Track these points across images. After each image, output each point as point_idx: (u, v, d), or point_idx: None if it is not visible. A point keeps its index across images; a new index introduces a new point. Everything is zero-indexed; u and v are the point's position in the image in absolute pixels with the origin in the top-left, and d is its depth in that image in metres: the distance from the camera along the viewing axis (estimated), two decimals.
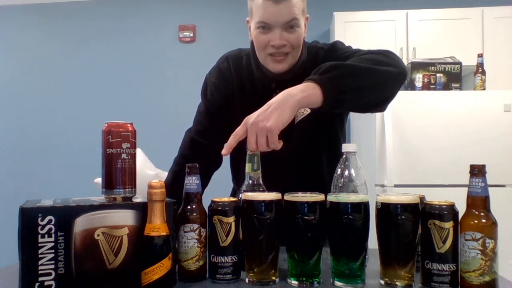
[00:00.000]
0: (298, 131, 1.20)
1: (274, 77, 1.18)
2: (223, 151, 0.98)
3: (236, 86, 1.24)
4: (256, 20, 1.11)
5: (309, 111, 1.19)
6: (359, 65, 1.02)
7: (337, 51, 1.19)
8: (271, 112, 0.93)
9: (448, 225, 0.79)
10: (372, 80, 1.02)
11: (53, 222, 0.75)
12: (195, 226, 0.88)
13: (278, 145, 0.93)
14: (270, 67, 1.16)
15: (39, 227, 0.75)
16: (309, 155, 1.25)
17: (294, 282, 0.86)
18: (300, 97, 0.94)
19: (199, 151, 1.28)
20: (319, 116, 1.18)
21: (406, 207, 0.82)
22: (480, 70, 2.80)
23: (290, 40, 1.11)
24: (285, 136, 1.21)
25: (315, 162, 1.26)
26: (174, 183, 1.16)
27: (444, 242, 0.79)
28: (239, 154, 1.27)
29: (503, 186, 2.51)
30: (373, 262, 0.92)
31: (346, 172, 0.91)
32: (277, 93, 1.18)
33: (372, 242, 0.86)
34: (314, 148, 1.25)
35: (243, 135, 0.95)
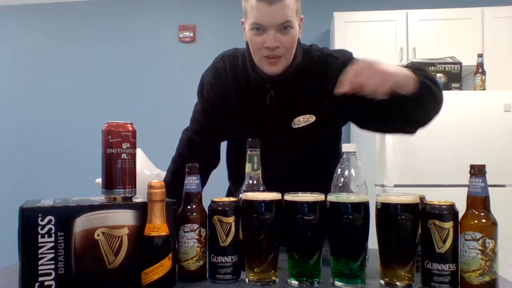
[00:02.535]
0: (296, 135, 1.20)
1: (269, 77, 1.18)
2: (339, 90, 0.99)
3: (232, 86, 1.24)
4: (250, 22, 1.11)
5: (313, 119, 1.19)
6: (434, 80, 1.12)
7: None
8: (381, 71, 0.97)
9: (448, 225, 0.79)
10: (438, 99, 1.10)
11: (53, 222, 0.76)
12: (195, 226, 0.88)
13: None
14: (265, 69, 1.16)
15: (39, 227, 0.75)
16: (308, 158, 1.26)
17: (294, 282, 0.86)
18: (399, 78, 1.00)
19: (197, 150, 1.28)
20: (319, 127, 1.20)
21: (406, 207, 0.82)
22: (480, 70, 2.80)
23: (284, 42, 1.11)
24: (283, 139, 1.21)
25: (314, 164, 1.27)
26: (172, 182, 1.16)
27: (444, 242, 0.79)
28: (236, 153, 1.27)
29: (503, 186, 2.51)
30: (373, 262, 0.92)
31: (346, 172, 0.91)
32: (271, 94, 1.19)
33: (372, 242, 0.86)
34: (313, 151, 1.26)
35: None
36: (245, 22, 1.16)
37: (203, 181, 1.20)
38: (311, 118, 1.19)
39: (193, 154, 1.24)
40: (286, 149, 1.23)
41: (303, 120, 1.19)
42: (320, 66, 1.20)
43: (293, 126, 1.20)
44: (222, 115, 1.27)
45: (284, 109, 1.20)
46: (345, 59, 1.19)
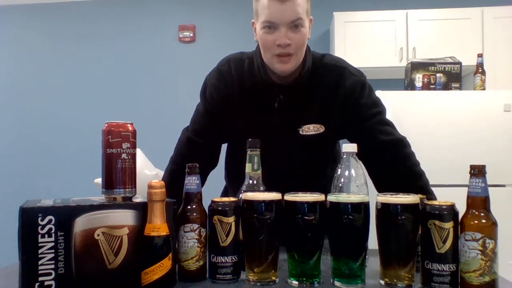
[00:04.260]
0: (302, 141, 1.21)
1: (278, 81, 1.19)
2: None
3: (237, 88, 1.24)
4: (261, 20, 1.12)
5: (323, 129, 1.21)
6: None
7: (362, 105, 1.21)
8: None
9: (448, 225, 0.79)
10: None
11: (53, 222, 0.75)
12: (195, 226, 0.88)
13: None
14: (276, 68, 1.16)
15: (39, 227, 0.75)
16: (310, 161, 1.26)
17: (294, 282, 0.86)
18: None
19: (196, 150, 1.28)
20: (326, 138, 1.21)
21: (406, 207, 0.82)
22: (480, 70, 2.80)
23: (294, 40, 1.11)
24: (288, 143, 1.22)
25: (315, 167, 1.27)
26: (171, 182, 1.16)
27: (444, 242, 0.79)
28: (235, 153, 1.27)
29: (503, 186, 2.51)
30: (373, 262, 0.92)
31: (346, 172, 0.91)
32: (280, 98, 1.19)
33: (372, 242, 0.86)
34: (315, 156, 1.26)
35: None
36: (256, 23, 1.17)
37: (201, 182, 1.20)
38: (321, 128, 1.21)
39: (192, 155, 1.23)
40: (289, 153, 1.23)
41: (313, 129, 1.20)
42: (334, 76, 1.21)
43: (301, 133, 1.20)
44: (224, 116, 1.26)
45: (292, 114, 1.21)
46: (359, 79, 1.22)
